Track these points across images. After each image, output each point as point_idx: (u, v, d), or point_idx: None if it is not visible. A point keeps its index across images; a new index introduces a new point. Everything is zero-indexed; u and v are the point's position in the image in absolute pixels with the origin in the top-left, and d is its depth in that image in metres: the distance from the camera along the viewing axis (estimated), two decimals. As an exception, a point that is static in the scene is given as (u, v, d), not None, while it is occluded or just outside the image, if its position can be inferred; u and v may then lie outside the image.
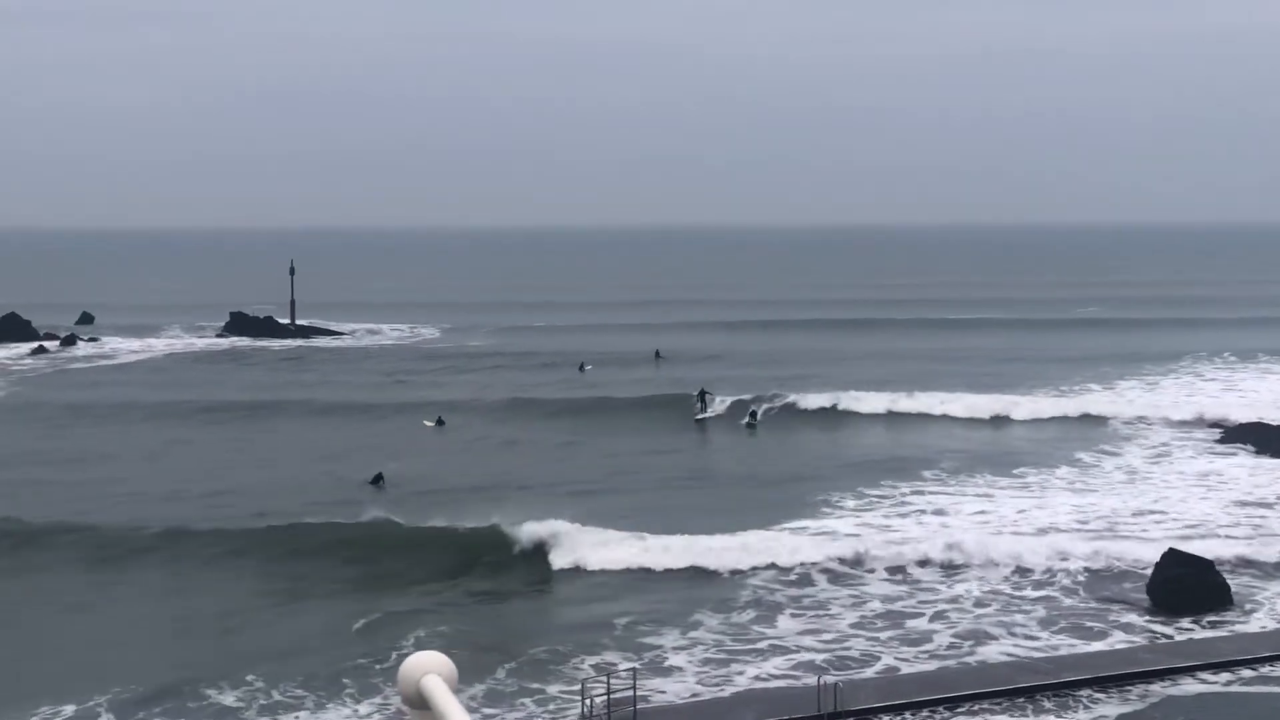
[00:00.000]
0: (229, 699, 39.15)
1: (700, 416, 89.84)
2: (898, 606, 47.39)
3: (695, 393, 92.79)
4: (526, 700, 38.82)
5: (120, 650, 43.71)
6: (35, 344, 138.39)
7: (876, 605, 47.53)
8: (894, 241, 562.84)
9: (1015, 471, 69.36)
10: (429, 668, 8.56)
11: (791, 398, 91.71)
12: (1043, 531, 56.93)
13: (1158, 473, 69.50)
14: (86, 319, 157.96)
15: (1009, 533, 56.55)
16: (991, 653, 42.80)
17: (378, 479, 68.42)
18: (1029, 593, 49.02)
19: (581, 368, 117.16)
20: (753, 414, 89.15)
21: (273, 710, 38.44)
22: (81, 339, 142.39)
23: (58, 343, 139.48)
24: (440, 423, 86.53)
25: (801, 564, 52.07)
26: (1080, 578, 50.48)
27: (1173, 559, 48.00)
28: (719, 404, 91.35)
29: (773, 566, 51.87)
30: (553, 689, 39.65)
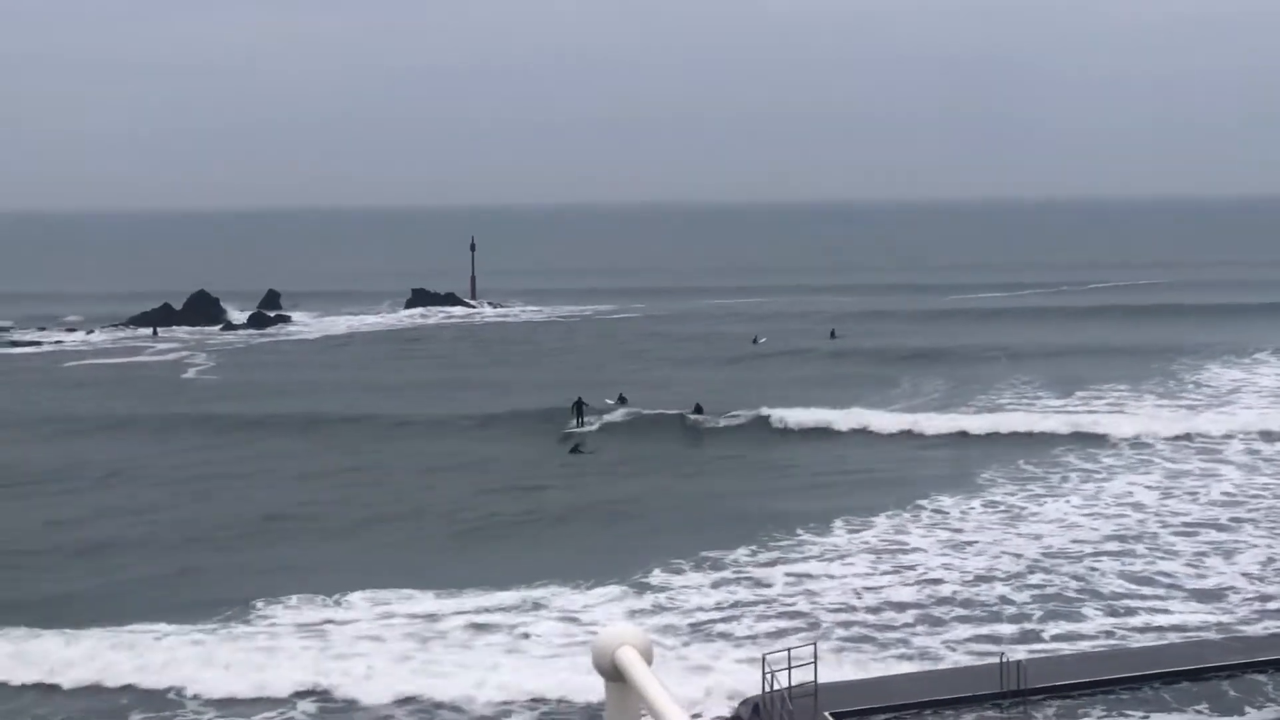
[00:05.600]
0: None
1: (569, 430, 77.81)
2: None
3: (571, 403, 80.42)
4: (706, 671, 39.13)
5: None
6: (223, 323, 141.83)
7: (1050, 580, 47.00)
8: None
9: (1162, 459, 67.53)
10: (624, 640, 8.61)
11: (771, 412, 78.41)
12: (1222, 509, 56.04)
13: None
14: (272, 296, 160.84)
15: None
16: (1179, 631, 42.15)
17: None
18: (1218, 565, 48.14)
19: (755, 340, 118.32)
20: (698, 408, 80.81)
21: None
22: (268, 316, 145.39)
23: (245, 320, 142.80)
24: (623, 400, 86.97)
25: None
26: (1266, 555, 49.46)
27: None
28: (595, 418, 79.41)
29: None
30: (730, 662, 39.92)
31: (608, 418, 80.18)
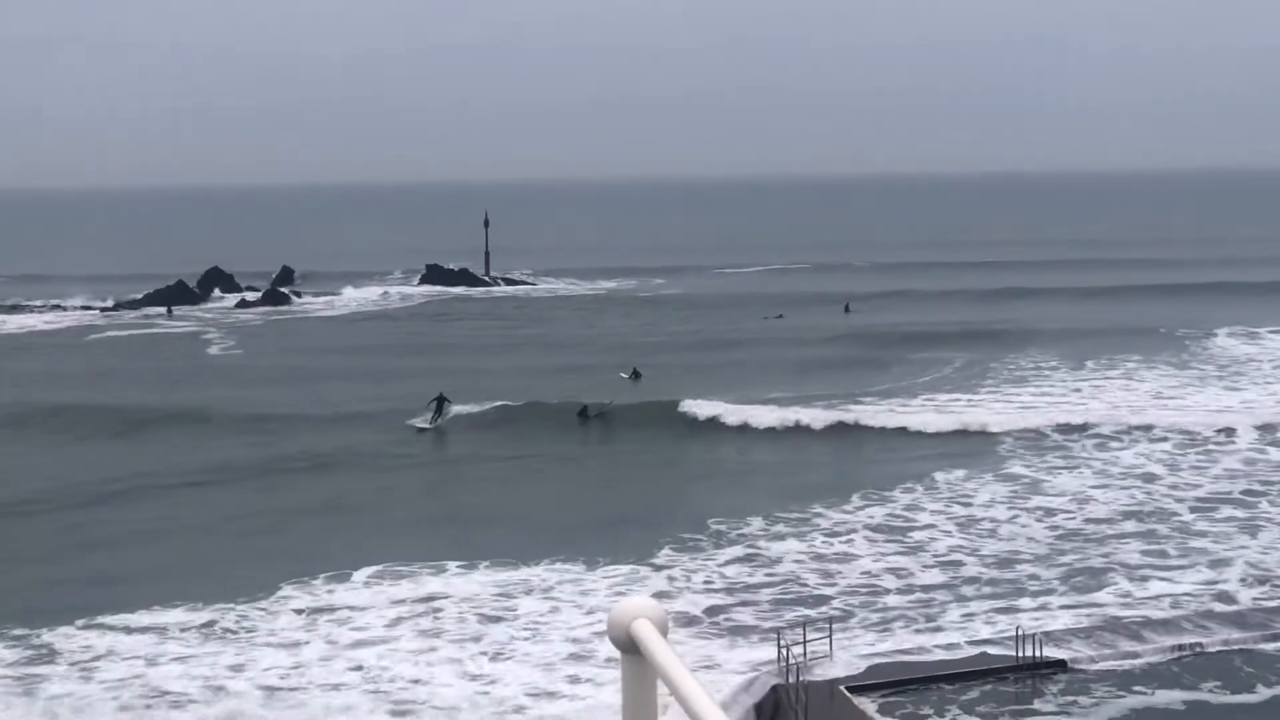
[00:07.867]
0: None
1: (423, 425, 74.32)
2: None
3: (431, 399, 76.26)
4: (723, 647, 39.34)
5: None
6: (238, 298, 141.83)
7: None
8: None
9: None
10: (640, 612, 8.70)
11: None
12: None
13: None
14: (287, 273, 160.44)
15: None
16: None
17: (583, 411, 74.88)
18: (1234, 540, 48.27)
19: (779, 316, 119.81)
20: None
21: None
22: (282, 293, 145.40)
23: (259, 296, 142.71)
24: (636, 375, 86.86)
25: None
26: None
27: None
28: (451, 413, 75.57)
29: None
30: (748, 640, 40.10)
31: (457, 410, 75.67)
